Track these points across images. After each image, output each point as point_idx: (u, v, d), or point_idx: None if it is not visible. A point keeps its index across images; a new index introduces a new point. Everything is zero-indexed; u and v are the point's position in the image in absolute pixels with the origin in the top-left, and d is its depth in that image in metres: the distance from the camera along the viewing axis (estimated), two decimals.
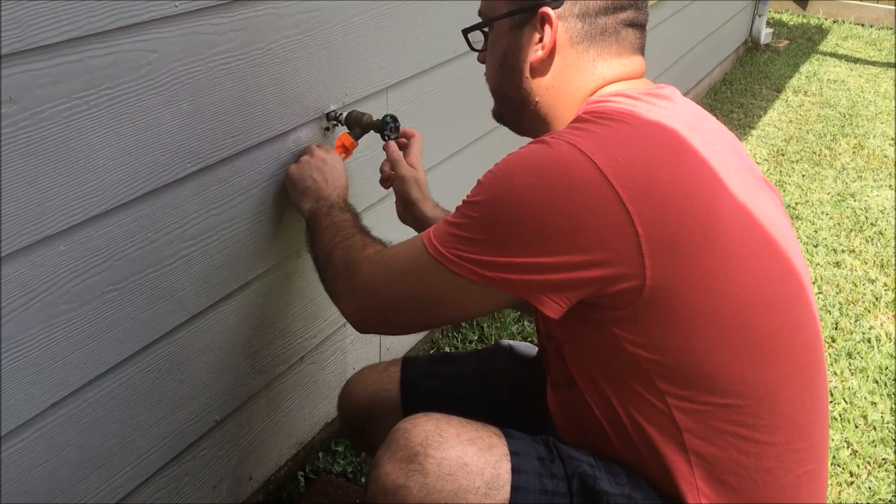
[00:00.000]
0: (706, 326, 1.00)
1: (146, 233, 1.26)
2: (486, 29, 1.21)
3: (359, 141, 1.58)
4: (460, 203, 1.06)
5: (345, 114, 1.59)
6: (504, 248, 1.00)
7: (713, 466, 1.04)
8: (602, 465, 1.08)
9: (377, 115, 1.58)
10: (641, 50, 1.17)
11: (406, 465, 0.99)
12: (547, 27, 1.11)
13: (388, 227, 1.89)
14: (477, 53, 1.26)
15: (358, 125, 1.58)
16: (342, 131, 1.59)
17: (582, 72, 1.14)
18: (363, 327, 1.21)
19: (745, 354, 1.02)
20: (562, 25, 1.11)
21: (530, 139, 1.09)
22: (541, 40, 1.13)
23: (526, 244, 0.99)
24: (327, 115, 1.59)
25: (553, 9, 1.11)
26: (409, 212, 1.53)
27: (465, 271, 1.02)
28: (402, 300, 1.12)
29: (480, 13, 1.21)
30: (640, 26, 1.15)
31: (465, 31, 1.23)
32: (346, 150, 1.57)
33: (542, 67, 1.14)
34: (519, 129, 1.25)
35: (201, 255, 1.38)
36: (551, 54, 1.13)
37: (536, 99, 1.16)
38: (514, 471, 1.02)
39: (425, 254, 1.06)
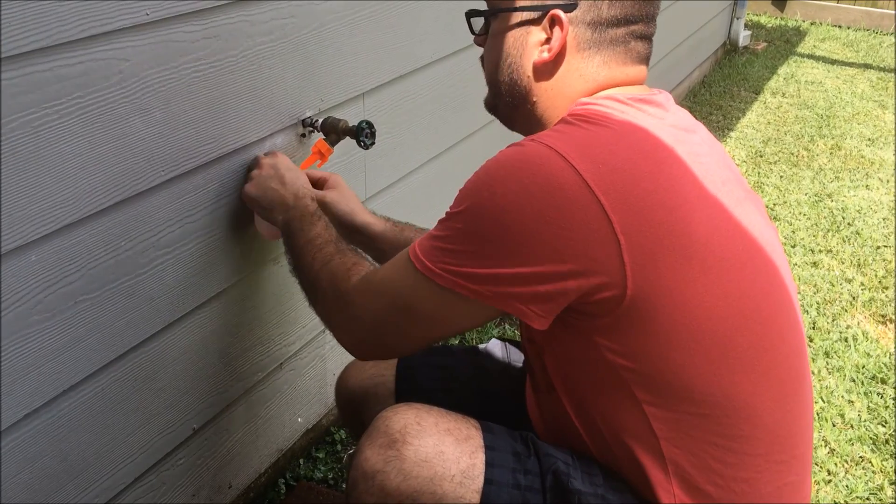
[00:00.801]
0: (684, 337, 1.00)
1: (120, 241, 1.26)
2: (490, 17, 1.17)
3: (335, 147, 1.58)
4: (443, 215, 1.05)
5: (321, 120, 1.59)
6: (489, 258, 0.99)
7: (690, 475, 1.04)
8: (579, 464, 1.08)
9: (353, 122, 1.58)
10: (647, 60, 1.16)
11: (385, 452, 1.03)
12: (556, 30, 1.09)
13: None
14: (474, 36, 1.22)
15: (334, 131, 1.58)
16: (318, 138, 1.59)
17: (584, 77, 1.12)
18: (364, 356, 1.23)
19: (723, 366, 1.02)
20: (571, 30, 1.09)
21: (516, 139, 1.08)
22: (547, 42, 1.10)
23: (510, 253, 0.98)
24: (303, 121, 1.59)
25: (565, 12, 1.08)
26: (348, 225, 1.48)
27: (453, 285, 1.01)
28: (399, 324, 1.10)
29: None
30: (648, 38, 1.14)
31: (469, 15, 1.20)
32: (323, 157, 1.57)
33: (545, 70, 1.12)
34: (512, 125, 1.22)
35: (176, 263, 1.38)
36: (557, 58, 1.11)
37: (534, 99, 1.14)
38: (488, 464, 1.04)
39: (414, 271, 1.05)
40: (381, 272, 1.13)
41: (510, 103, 1.17)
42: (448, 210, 1.05)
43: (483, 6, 1.19)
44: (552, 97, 1.13)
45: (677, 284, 0.98)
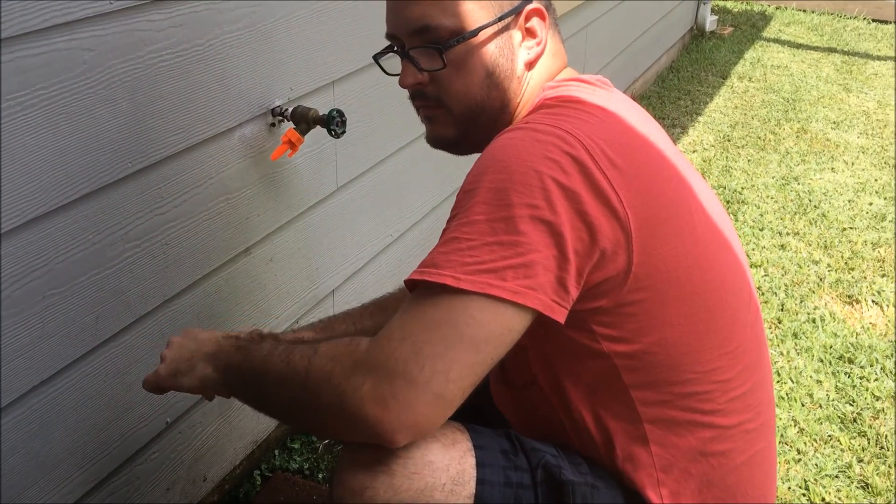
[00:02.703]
0: (677, 313, 1.02)
1: (87, 235, 1.24)
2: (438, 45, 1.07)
3: (305, 136, 1.57)
4: (448, 224, 0.97)
5: (290, 109, 1.58)
6: (514, 245, 0.91)
7: (673, 456, 1.06)
8: (564, 455, 1.09)
9: (324, 110, 1.57)
10: None
11: (372, 466, 0.98)
12: (537, 22, 1.10)
13: (342, 221, 1.89)
14: (420, 74, 1.09)
15: (304, 120, 1.57)
16: (288, 127, 1.58)
17: (556, 56, 1.15)
18: (426, 427, 0.92)
19: (706, 340, 1.05)
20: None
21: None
22: (528, 37, 1.11)
23: (534, 231, 0.92)
24: (272, 110, 1.57)
25: (539, 1, 1.10)
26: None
27: (484, 287, 0.90)
28: (443, 363, 0.89)
29: (430, 26, 1.06)
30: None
31: (443, 49, 1.06)
32: (293, 146, 1.56)
33: (534, 63, 1.12)
34: (479, 146, 1.07)
35: (146, 255, 1.36)
36: (543, 48, 1.12)
37: (519, 99, 1.12)
38: (479, 465, 1.02)
39: (437, 293, 0.91)
40: (396, 319, 0.93)
41: (488, 122, 1.11)
42: (453, 211, 0.98)
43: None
44: (533, 87, 1.13)
45: (672, 257, 1.00)
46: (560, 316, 0.94)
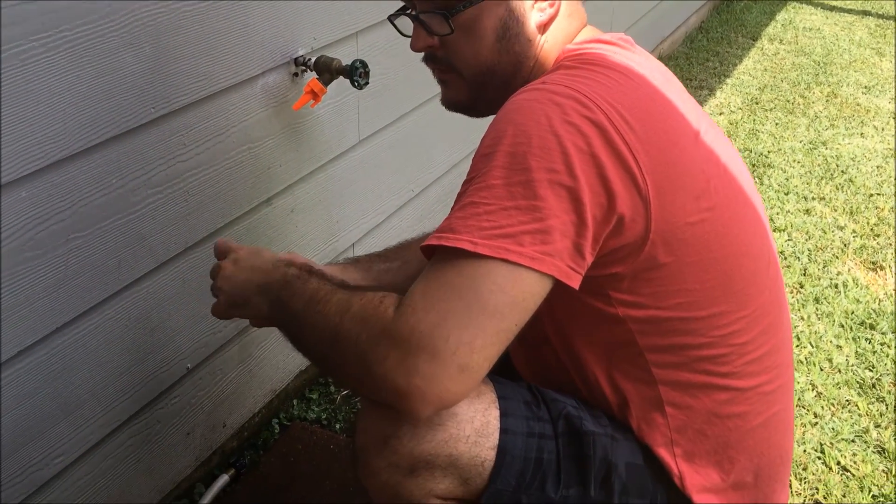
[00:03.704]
0: (692, 277, 1.01)
1: (111, 179, 1.24)
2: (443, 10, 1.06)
3: (328, 87, 1.56)
4: (464, 187, 0.95)
5: (314, 59, 1.56)
6: (532, 210, 0.90)
7: (687, 417, 1.06)
8: (585, 407, 1.09)
9: (347, 61, 1.56)
10: None
11: (395, 414, 0.98)
12: None
13: (363, 174, 1.89)
14: (430, 38, 1.09)
15: (327, 70, 1.56)
16: (311, 77, 1.57)
17: (573, 17, 1.11)
18: (451, 400, 0.91)
19: (724, 305, 1.04)
20: None
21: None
22: None
23: (552, 195, 0.90)
24: (296, 60, 1.56)
25: None
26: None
27: (502, 252, 0.89)
28: (469, 332, 0.88)
29: None
30: None
31: (448, 14, 1.05)
32: (316, 96, 1.55)
33: (548, 25, 1.09)
34: (494, 108, 1.05)
35: (168, 202, 1.37)
36: (557, 9, 1.09)
37: (532, 62, 1.10)
38: (503, 415, 1.03)
39: (457, 258, 0.90)
40: (418, 287, 0.91)
41: (501, 85, 1.09)
42: (469, 174, 0.97)
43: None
44: (549, 49, 1.10)
45: (689, 224, 0.99)
46: (575, 282, 0.93)
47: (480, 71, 1.09)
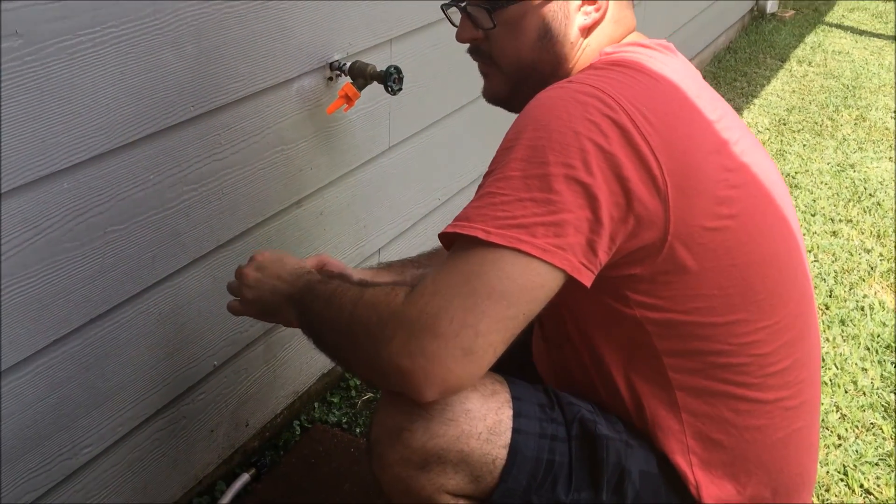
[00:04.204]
0: (711, 283, 1.01)
1: (148, 175, 1.27)
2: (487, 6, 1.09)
3: (362, 92, 1.58)
4: (484, 180, 0.98)
5: (349, 64, 1.58)
6: (548, 203, 0.91)
7: (704, 425, 1.06)
8: (600, 412, 1.10)
9: (381, 67, 1.58)
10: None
11: (410, 409, 0.99)
12: None
13: (392, 181, 1.90)
14: (477, 31, 1.13)
15: (361, 76, 1.58)
16: (345, 81, 1.59)
17: (619, 23, 1.12)
18: (455, 383, 0.91)
19: (743, 313, 1.03)
20: None
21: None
22: (591, 2, 1.08)
23: (568, 190, 0.91)
24: (331, 64, 1.58)
25: None
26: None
27: (514, 242, 0.90)
28: (475, 317, 0.89)
29: None
30: None
31: (492, 9, 1.09)
32: (349, 101, 1.57)
33: (592, 29, 1.10)
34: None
35: (203, 199, 1.39)
36: (603, 14, 1.10)
37: (572, 63, 1.11)
38: (516, 415, 1.03)
39: (470, 246, 0.92)
40: (431, 274, 0.94)
41: (539, 82, 1.09)
42: (490, 167, 0.99)
43: None
44: (589, 53, 1.12)
45: (709, 230, 0.99)
46: (586, 279, 0.93)
47: (520, 67, 1.12)
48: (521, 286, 0.90)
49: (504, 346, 0.92)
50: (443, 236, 0.96)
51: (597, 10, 1.09)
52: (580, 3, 1.09)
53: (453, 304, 0.89)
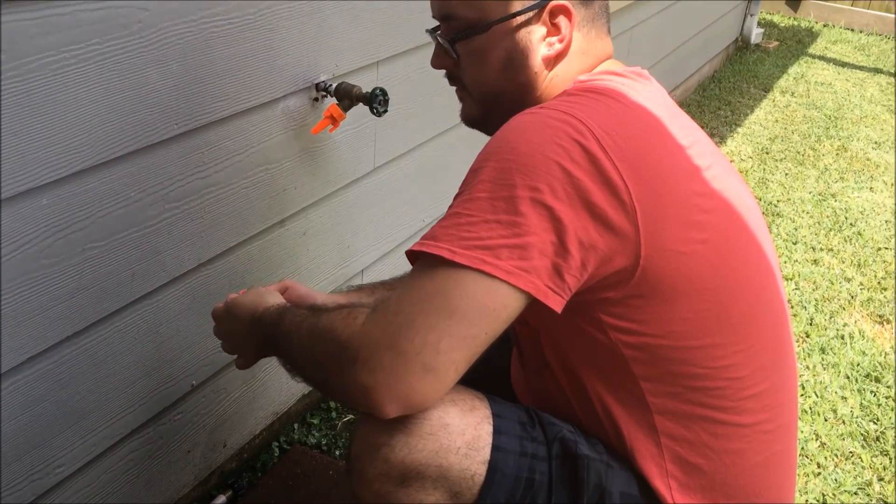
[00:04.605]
0: (685, 308, 1.01)
1: (130, 192, 1.26)
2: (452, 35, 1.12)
3: (347, 113, 1.58)
4: (453, 201, 0.99)
5: (334, 85, 1.59)
6: (514, 225, 0.92)
7: (683, 449, 1.06)
8: (581, 433, 1.09)
9: (367, 88, 1.58)
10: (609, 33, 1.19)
11: (389, 424, 0.99)
12: (562, 19, 1.09)
13: (376, 201, 1.90)
14: (433, 59, 1.17)
15: (347, 97, 1.58)
16: (331, 102, 1.59)
17: (587, 55, 1.13)
18: (417, 400, 0.93)
19: (718, 337, 1.04)
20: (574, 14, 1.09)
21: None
22: (552, 33, 1.09)
23: (536, 213, 0.92)
24: (317, 85, 1.58)
25: None
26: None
27: (479, 263, 0.91)
28: (435, 336, 0.90)
29: (452, 16, 1.11)
30: (605, 6, 1.17)
31: (453, 41, 1.12)
32: (335, 122, 1.57)
33: (558, 59, 1.11)
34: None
35: (185, 217, 1.38)
36: (567, 45, 1.11)
37: (538, 93, 1.13)
38: (496, 432, 1.03)
39: (432, 265, 0.93)
40: (391, 295, 0.95)
41: (510, 108, 1.09)
42: (460, 189, 1.00)
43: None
44: (558, 83, 1.13)
45: (681, 254, 0.99)
46: (554, 303, 0.94)
47: (486, 94, 1.15)
48: (483, 306, 0.91)
49: (467, 365, 0.93)
50: (410, 254, 0.97)
51: (560, 41, 1.10)
52: (544, 34, 1.10)
53: (416, 323, 0.90)
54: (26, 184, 1.09)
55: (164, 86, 1.25)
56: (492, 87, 1.14)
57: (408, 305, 0.92)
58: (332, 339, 0.96)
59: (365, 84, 1.64)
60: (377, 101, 1.57)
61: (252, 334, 1.18)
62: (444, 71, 1.20)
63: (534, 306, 0.96)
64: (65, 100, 1.11)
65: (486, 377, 1.21)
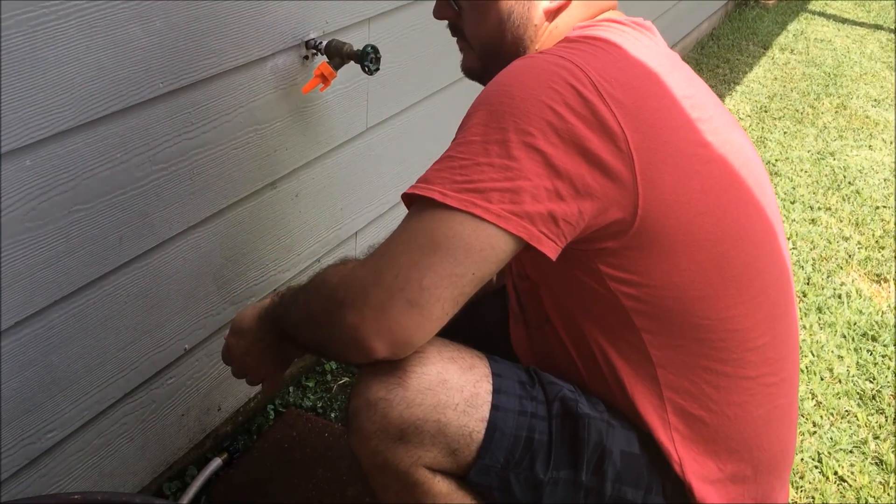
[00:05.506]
0: (685, 258, 1.00)
1: (115, 153, 1.23)
2: None
3: (338, 71, 1.55)
4: (450, 145, 0.98)
5: (325, 42, 1.55)
6: (508, 169, 0.91)
7: (685, 400, 1.05)
8: (582, 392, 1.09)
9: (358, 46, 1.55)
10: None
11: (388, 379, 1.00)
12: None
13: (369, 163, 1.88)
14: (435, 9, 1.17)
15: (338, 55, 1.55)
16: (321, 60, 1.55)
17: (588, 5, 1.12)
18: (403, 336, 0.92)
19: (720, 288, 1.03)
20: None
21: None
22: None
23: (529, 156, 0.91)
24: (307, 43, 1.55)
25: None
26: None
27: (469, 206, 0.90)
28: (422, 274, 0.90)
29: None
30: None
31: None
32: (325, 80, 1.53)
33: (558, 12, 1.11)
34: None
35: (172, 179, 1.35)
36: None
37: (539, 44, 1.12)
38: (496, 391, 1.03)
39: (423, 207, 0.93)
40: (384, 240, 0.98)
41: (508, 59, 1.08)
42: (456, 133, 0.99)
43: None
44: (558, 34, 1.12)
45: (680, 204, 0.98)
46: (548, 249, 0.93)
47: (485, 46, 1.15)
48: (468, 245, 0.91)
49: (454, 305, 0.92)
50: (405, 197, 0.97)
51: None
52: None
53: (400, 260, 0.92)
54: (8, 144, 1.07)
55: (147, 43, 1.21)
56: (491, 39, 1.14)
57: (395, 245, 0.94)
58: (325, 288, 0.99)
59: (356, 42, 1.60)
60: (369, 59, 1.54)
61: (263, 338, 1.15)
62: (444, 26, 1.19)
63: (531, 256, 0.96)
64: (45, 57, 1.07)
65: (483, 336, 1.21)
